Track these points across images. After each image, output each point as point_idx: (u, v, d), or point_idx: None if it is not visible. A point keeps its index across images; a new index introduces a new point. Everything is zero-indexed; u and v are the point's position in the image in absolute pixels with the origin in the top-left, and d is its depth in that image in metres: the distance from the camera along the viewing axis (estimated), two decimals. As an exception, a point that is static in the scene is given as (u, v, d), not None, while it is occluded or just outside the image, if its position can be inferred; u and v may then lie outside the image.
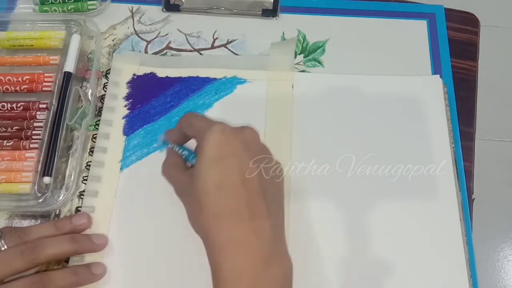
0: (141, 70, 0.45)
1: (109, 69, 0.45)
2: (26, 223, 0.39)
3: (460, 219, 0.39)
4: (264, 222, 0.30)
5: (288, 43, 0.46)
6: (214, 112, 0.43)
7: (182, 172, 0.34)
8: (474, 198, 0.41)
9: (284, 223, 0.32)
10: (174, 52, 0.46)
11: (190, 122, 0.34)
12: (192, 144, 0.35)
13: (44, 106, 0.42)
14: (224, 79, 0.44)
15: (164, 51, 0.46)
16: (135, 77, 0.45)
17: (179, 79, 0.44)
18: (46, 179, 0.39)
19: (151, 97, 0.44)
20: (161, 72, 0.45)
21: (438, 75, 0.45)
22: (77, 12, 0.47)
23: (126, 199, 0.40)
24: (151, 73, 0.45)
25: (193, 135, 0.34)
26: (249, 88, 0.44)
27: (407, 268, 0.37)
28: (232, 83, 0.44)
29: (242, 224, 0.29)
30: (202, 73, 0.45)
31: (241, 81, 0.44)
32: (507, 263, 1.01)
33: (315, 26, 0.47)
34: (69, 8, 0.47)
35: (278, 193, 0.33)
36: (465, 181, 0.41)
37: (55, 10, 0.47)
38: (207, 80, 0.44)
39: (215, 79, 0.44)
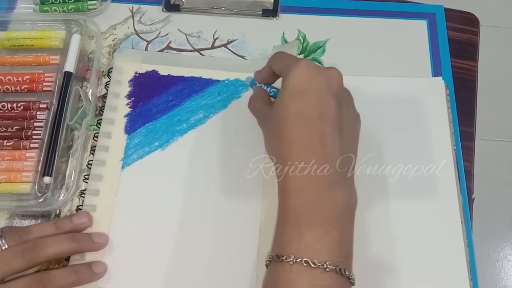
0: (143, 68, 0.45)
1: (110, 69, 0.45)
2: (26, 223, 0.39)
3: (460, 219, 0.39)
4: (334, 151, 0.31)
5: (289, 46, 0.46)
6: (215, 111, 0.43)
7: (267, 105, 0.37)
8: (474, 198, 0.41)
9: (355, 164, 0.34)
10: (175, 52, 0.46)
11: (279, 57, 0.36)
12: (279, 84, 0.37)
13: (45, 106, 0.42)
14: (227, 81, 0.44)
15: (165, 51, 0.46)
16: (137, 75, 0.45)
17: (181, 78, 0.45)
18: (47, 179, 0.39)
19: (153, 95, 0.44)
20: (163, 70, 0.45)
21: (440, 77, 0.45)
22: (77, 12, 0.47)
23: (127, 198, 0.40)
24: (153, 70, 0.45)
25: (280, 70, 0.36)
26: (251, 90, 0.44)
27: (407, 268, 0.37)
28: (235, 85, 0.44)
29: (313, 150, 0.31)
30: (205, 74, 0.45)
31: (244, 84, 0.44)
32: (507, 263, 1.01)
33: (315, 26, 0.47)
34: (69, 8, 0.47)
35: (355, 135, 0.35)
36: (465, 181, 0.41)
37: (55, 10, 0.47)
38: (210, 82, 0.44)
39: (218, 81, 0.44)
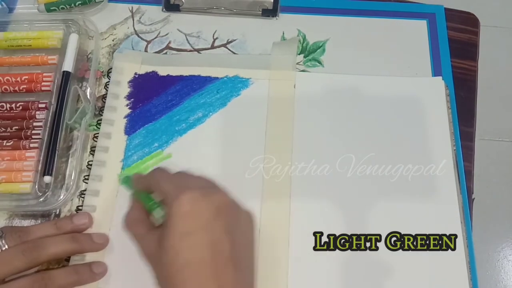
0: (143, 69, 0.45)
1: (110, 69, 0.45)
2: (26, 222, 0.39)
3: (460, 219, 0.39)
4: None
5: (290, 43, 0.46)
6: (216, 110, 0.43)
7: (148, 231, 0.33)
8: (474, 198, 0.41)
9: (253, 279, 0.32)
10: (174, 52, 0.46)
11: (157, 183, 0.33)
12: None
13: (43, 105, 0.42)
14: (225, 78, 0.44)
15: (164, 51, 0.46)
16: (136, 76, 0.45)
17: (180, 78, 0.44)
18: (47, 179, 0.39)
19: (153, 95, 0.44)
20: (163, 71, 0.45)
21: (440, 77, 0.45)
22: (85, 6, 0.47)
23: (127, 198, 0.40)
24: (152, 71, 0.45)
25: (163, 196, 0.33)
26: (251, 88, 0.44)
27: (407, 268, 0.37)
28: (234, 82, 0.44)
29: None
30: (204, 72, 0.45)
31: (243, 80, 0.44)
32: (507, 263, 1.01)
33: (315, 26, 0.47)
34: (76, 4, 0.47)
35: (249, 255, 0.33)
36: (465, 181, 0.41)
37: (62, 8, 0.47)
38: (208, 79, 0.44)
39: (217, 78, 0.44)
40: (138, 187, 0.36)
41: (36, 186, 0.39)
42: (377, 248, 0.38)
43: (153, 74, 0.45)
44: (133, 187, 0.37)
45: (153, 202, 0.33)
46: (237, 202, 0.33)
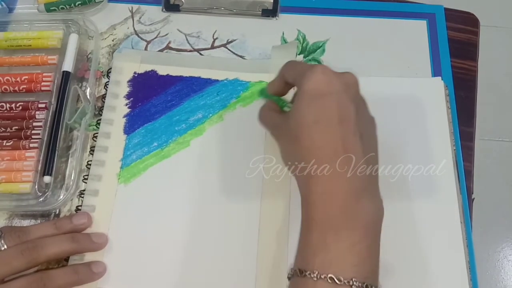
0: (142, 68, 0.45)
1: (110, 69, 0.45)
2: (26, 222, 0.39)
3: (460, 219, 0.39)
4: (357, 157, 0.30)
5: (289, 47, 0.46)
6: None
7: (279, 115, 0.36)
8: (474, 198, 0.41)
9: (378, 168, 0.33)
10: (174, 52, 0.46)
11: (292, 65, 0.35)
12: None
13: (43, 105, 0.42)
14: (226, 81, 0.44)
15: (164, 51, 0.46)
16: (136, 75, 0.45)
17: (180, 78, 0.44)
18: (47, 178, 0.39)
19: (152, 95, 0.44)
20: (162, 70, 0.45)
21: (440, 77, 0.45)
22: (85, 6, 0.47)
23: (126, 198, 0.40)
24: (152, 70, 0.45)
25: (293, 78, 0.34)
26: (251, 90, 0.44)
27: (407, 268, 0.37)
28: (234, 85, 0.44)
29: (336, 158, 0.30)
30: (204, 74, 0.45)
31: (243, 83, 0.44)
32: (507, 263, 1.01)
33: (315, 26, 0.47)
34: (76, 4, 0.47)
35: (374, 138, 0.34)
36: (465, 181, 0.41)
37: (62, 8, 0.47)
38: (209, 82, 0.44)
39: (217, 80, 0.44)
40: (272, 92, 0.38)
41: (36, 186, 0.39)
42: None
43: (153, 73, 0.45)
44: (267, 94, 0.38)
45: (284, 100, 0.37)
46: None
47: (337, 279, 0.27)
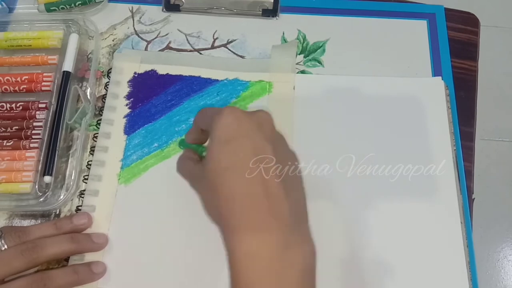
0: (142, 68, 0.45)
1: (110, 69, 0.45)
2: (26, 223, 0.39)
3: (460, 219, 0.39)
4: (281, 203, 0.28)
5: (289, 46, 0.46)
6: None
7: (197, 164, 0.34)
8: (474, 198, 0.41)
9: (306, 207, 0.31)
10: (174, 52, 0.46)
11: (202, 113, 0.34)
12: None
13: (44, 105, 0.42)
14: (225, 81, 0.44)
15: (164, 51, 0.46)
16: (136, 75, 0.45)
17: (180, 77, 0.44)
18: (47, 178, 0.39)
19: (152, 95, 0.44)
20: (162, 69, 0.45)
21: (440, 77, 0.45)
22: (85, 6, 0.47)
23: (126, 198, 0.40)
24: (151, 70, 0.45)
25: (206, 125, 0.33)
26: (250, 90, 0.44)
27: (407, 268, 0.37)
28: (233, 85, 0.44)
29: (257, 205, 0.28)
30: (204, 73, 0.45)
31: (243, 83, 0.44)
32: (507, 263, 1.01)
33: (315, 26, 0.47)
34: (76, 4, 0.47)
35: (296, 176, 0.32)
36: (465, 181, 0.41)
37: (62, 8, 0.47)
38: (209, 81, 0.44)
39: (217, 80, 0.44)
40: (191, 141, 0.36)
41: (36, 186, 0.39)
42: (376, 248, 0.38)
43: (152, 72, 0.45)
44: (187, 144, 0.37)
45: (203, 146, 0.36)
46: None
47: None
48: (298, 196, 0.31)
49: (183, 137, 0.38)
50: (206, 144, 0.36)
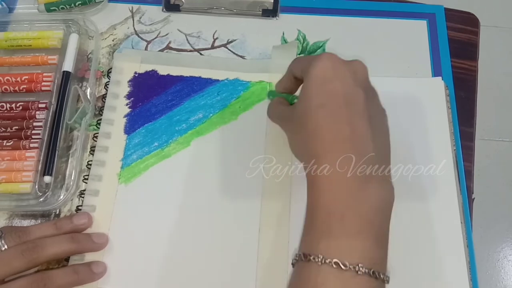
0: (142, 68, 0.45)
1: (110, 69, 0.45)
2: (26, 223, 0.39)
3: (460, 219, 0.39)
4: (366, 141, 0.29)
5: (289, 47, 0.46)
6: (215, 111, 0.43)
7: (287, 107, 0.36)
8: (474, 198, 0.41)
9: (389, 150, 0.32)
10: (175, 52, 0.46)
11: (299, 59, 0.35)
12: None
13: (44, 105, 0.42)
14: (226, 81, 0.44)
15: (164, 51, 0.46)
16: (136, 75, 0.45)
17: (180, 78, 0.44)
18: (47, 178, 0.39)
19: (152, 95, 0.44)
20: (163, 70, 0.45)
21: (440, 77, 0.45)
22: (85, 6, 0.47)
23: (127, 198, 0.40)
24: (152, 70, 0.45)
25: (301, 70, 0.34)
26: (251, 90, 0.44)
27: (407, 268, 0.37)
28: (234, 85, 0.44)
29: (343, 142, 0.29)
30: (204, 73, 0.45)
31: (243, 83, 0.44)
32: (507, 263, 1.01)
33: (315, 26, 0.47)
34: (76, 4, 0.47)
35: (385, 128, 0.32)
36: (465, 181, 0.41)
37: (62, 8, 0.47)
38: (209, 81, 0.44)
39: (217, 80, 0.44)
40: (281, 90, 0.38)
41: (36, 186, 0.39)
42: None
43: (153, 73, 0.45)
44: (276, 94, 0.39)
45: (294, 96, 0.37)
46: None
47: (343, 264, 0.26)
48: (383, 139, 0.32)
49: (273, 88, 0.39)
50: (297, 93, 0.37)
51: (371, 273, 0.27)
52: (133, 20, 0.48)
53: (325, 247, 0.27)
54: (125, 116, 0.43)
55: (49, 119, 0.42)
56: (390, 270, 0.37)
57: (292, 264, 0.30)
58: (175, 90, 0.44)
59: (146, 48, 0.46)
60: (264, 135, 0.42)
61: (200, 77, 0.45)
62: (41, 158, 0.40)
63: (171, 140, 0.42)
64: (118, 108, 0.43)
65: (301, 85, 0.32)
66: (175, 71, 0.45)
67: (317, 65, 0.31)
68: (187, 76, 0.45)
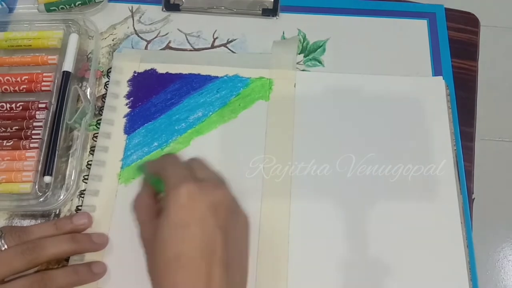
0: (142, 67, 0.45)
1: (110, 68, 0.45)
2: (26, 223, 0.39)
3: (460, 219, 0.39)
4: None
5: (290, 42, 0.46)
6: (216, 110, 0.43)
7: (151, 219, 0.33)
8: (474, 198, 0.41)
9: (247, 264, 0.32)
10: (174, 52, 0.46)
11: (163, 169, 0.33)
12: None
13: (44, 105, 0.42)
14: (225, 78, 0.44)
15: (164, 51, 0.46)
16: (135, 74, 0.45)
17: (179, 76, 0.44)
18: (47, 178, 0.39)
19: (152, 94, 0.44)
20: (162, 68, 0.45)
21: (441, 77, 0.45)
22: (84, 6, 0.47)
23: (127, 198, 0.39)
24: (151, 69, 0.45)
25: (164, 187, 0.32)
26: (250, 87, 0.44)
27: (407, 268, 0.37)
28: (233, 81, 0.44)
29: None
30: (203, 71, 0.45)
31: (243, 80, 0.44)
32: (507, 263, 1.01)
33: (315, 26, 0.47)
34: (76, 4, 0.47)
35: (243, 257, 0.32)
36: (465, 181, 0.41)
37: (62, 8, 0.47)
38: (208, 78, 0.44)
39: (217, 77, 0.44)
40: (150, 172, 0.36)
41: (36, 186, 0.39)
42: (376, 248, 0.38)
43: (152, 71, 0.45)
44: (145, 173, 0.37)
45: (163, 184, 0.33)
46: (237, 202, 0.33)
47: None
48: (239, 273, 0.31)
49: (143, 163, 0.37)
50: None
51: None
52: (133, 20, 0.48)
53: None
54: (125, 116, 0.43)
55: (49, 119, 0.42)
56: (390, 270, 0.37)
57: None
58: (174, 88, 0.44)
59: (146, 48, 0.46)
60: (264, 135, 0.42)
61: (199, 74, 0.45)
62: (41, 158, 0.40)
63: (171, 139, 0.42)
64: (118, 108, 0.43)
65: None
66: (174, 69, 0.45)
67: (174, 204, 0.30)
68: (186, 74, 0.45)
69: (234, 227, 0.32)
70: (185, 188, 0.30)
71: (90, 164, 0.41)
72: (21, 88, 0.43)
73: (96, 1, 0.47)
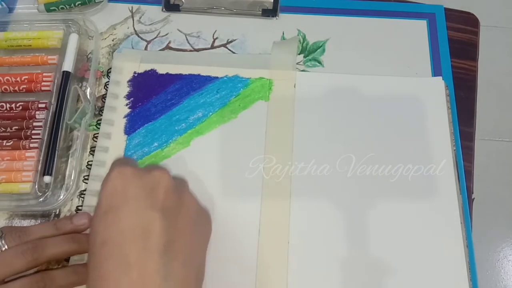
0: (142, 68, 0.45)
1: (110, 68, 0.45)
2: (26, 223, 0.39)
3: (460, 219, 0.39)
4: (155, 283, 0.25)
5: (290, 42, 0.46)
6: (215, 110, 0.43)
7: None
8: (474, 198, 0.41)
9: (200, 276, 0.29)
10: (174, 52, 0.46)
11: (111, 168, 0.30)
12: None
13: (43, 105, 0.42)
14: (225, 78, 0.44)
15: (164, 51, 0.46)
16: (135, 75, 0.45)
17: (180, 76, 0.44)
18: (47, 178, 0.39)
19: (152, 94, 0.44)
20: (162, 69, 0.45)
21: (440, 77, 0.45)
22: (84, 6, 0.47)
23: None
24: (151, 69, 0.45)
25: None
26: (250, 87, 0.44)
27: (407, 268, 0.37)
28: (233, 82, 0.44)
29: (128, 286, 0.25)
30: (203, 71, 0.45)
31: (243, 80, 0.44)
32: (507, 263, 1.01)
33: (315, 26, 0.47)
34: (76, 4, 0.47)
35: (195, 245, 0.29)
36: (465, 181, 0.41)
37: (62, 8, 0.47)
38: (208, 79, 0.44)
39: (217, 78, 0.44)
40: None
41: (36, 186, 0.39)
42: (376, 248, 0.38)
43: (152, 72, 0.45)
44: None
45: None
46: (185, 187, 0.30)
47: None
48: (190, 263, 0.29)
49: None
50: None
51: None
52: (133, 20, 0.48)
53: None
54: (125, 117, 0.43)
55: (49, 119, 0.42)
56: (390, 270, 0.37)
57: None
58: (174, 89, 0.44)
59: (146, 48, 0.46)
60: (264, 135, 0.42)
61: (199, 75, 0.45)
62: (41, 158, 0.40)
63: (171, 140, 0.42)
64: (118, 109, 0.43)
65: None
66: (174, 69, 0.45)
67: (104, 188, 0.27)
68: (186, 74, 0.45)
69: (178, 211, 0.28)
70: (117, 170, 0.28)
71: (90, 165, 0.41)
72: (21, 88, 0.43)
73: (96, 1, 0.47)
